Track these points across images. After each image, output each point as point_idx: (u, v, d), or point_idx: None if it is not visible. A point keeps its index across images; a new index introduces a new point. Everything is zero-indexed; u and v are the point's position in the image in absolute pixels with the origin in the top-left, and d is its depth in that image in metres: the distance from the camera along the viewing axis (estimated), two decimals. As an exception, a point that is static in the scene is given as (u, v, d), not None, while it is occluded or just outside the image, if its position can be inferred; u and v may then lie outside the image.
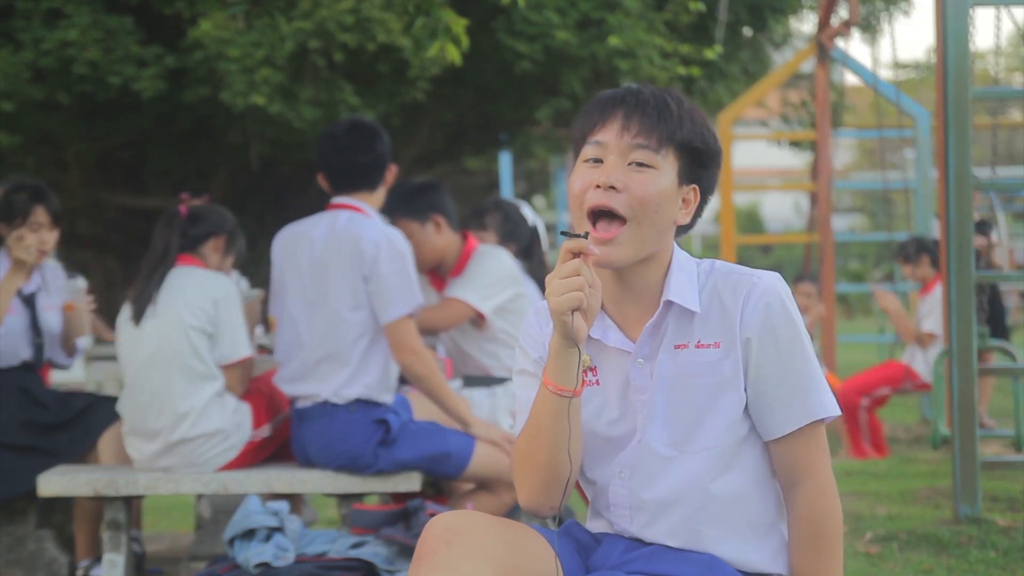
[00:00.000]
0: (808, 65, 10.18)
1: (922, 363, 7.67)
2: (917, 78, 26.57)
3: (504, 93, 7.82)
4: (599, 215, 2.14)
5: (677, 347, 2.19)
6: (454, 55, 4.83)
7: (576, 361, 2.11)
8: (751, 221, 33.05)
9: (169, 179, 8.66)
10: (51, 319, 4.65)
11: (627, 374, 2.22)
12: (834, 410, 2.19)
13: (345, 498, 4.22)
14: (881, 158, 10.23)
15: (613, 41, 6.73)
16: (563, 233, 2.09)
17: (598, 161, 2.17)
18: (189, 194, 4.71)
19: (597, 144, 2.17)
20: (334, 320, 4.15)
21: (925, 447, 7.61)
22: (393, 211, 4.60)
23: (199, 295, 4.20)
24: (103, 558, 4.14)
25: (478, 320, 4.64)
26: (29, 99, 6.43)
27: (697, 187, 2.22)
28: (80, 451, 4.47)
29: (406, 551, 3.77)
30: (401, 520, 3.96)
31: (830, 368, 8.88)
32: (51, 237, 4.59)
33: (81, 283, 4.76)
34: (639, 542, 2.24)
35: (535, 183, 16.94)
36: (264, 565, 3.72)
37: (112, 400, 4.52)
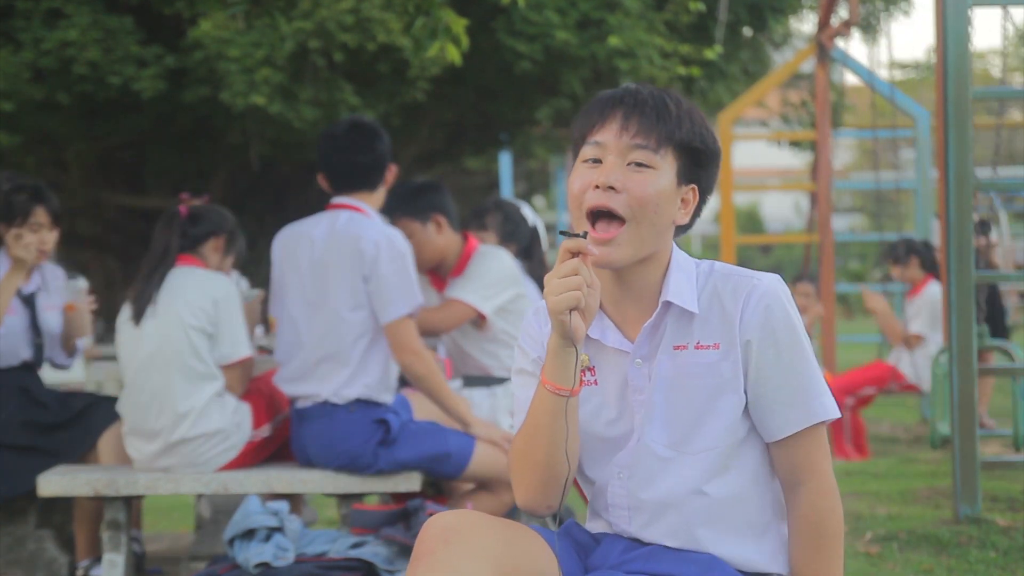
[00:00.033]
0: (808, 65, 10.18)
1: (908, 364, 7.68)
2: (917, 78, 26.56)
3: (504, 93, 7.82)
4: (598, 215, 2.14)
5: (676, 348, 2.19)
6: (454, 55, 4.83)
7: (574, 360, 2.11)
8: (751, 221, 33.06)
9: (169, 179, 8.66)
10: (51, 319, 4.65)
11: (625, 374, 2.22)
12: (835, 412, 2.20)
13: (345, 498, 4.22)
14: (874, 158, 10.23)
15: (613, 41, 6.73)
16: (562, 233, 2.09)
17: (597, 161, 2.17)
18: (189, 194, 4.71)
19: (596, 144, 2.17)
20: (334, 320, 4.15)
21: (925, 447, 7.61)
22: (394, 211, 4.60)
23: (199, 295, 4.20)
24: (103, 558, 4.14)
25: (479, 321, 4.64)
26: (29, 99, 6.43)
27: (696, 187, 2.22)
28: (80, 451, 4.47)
29: (406, 551, 3.77)
30: (401, 520, 3.96)
31: (829, 368, 8.88)
32: (51, 237, 4.59)
33: (82, 283, 4.76)
34: (638, 542, 2.24)
35: (535, 183, 16.94)
36: (264, 565, 3.72)
37: (112, 400, 4.52)
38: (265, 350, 5.10)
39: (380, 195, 4.36)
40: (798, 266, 18.59)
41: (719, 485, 2.19)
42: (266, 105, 6.28)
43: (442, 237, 4.65)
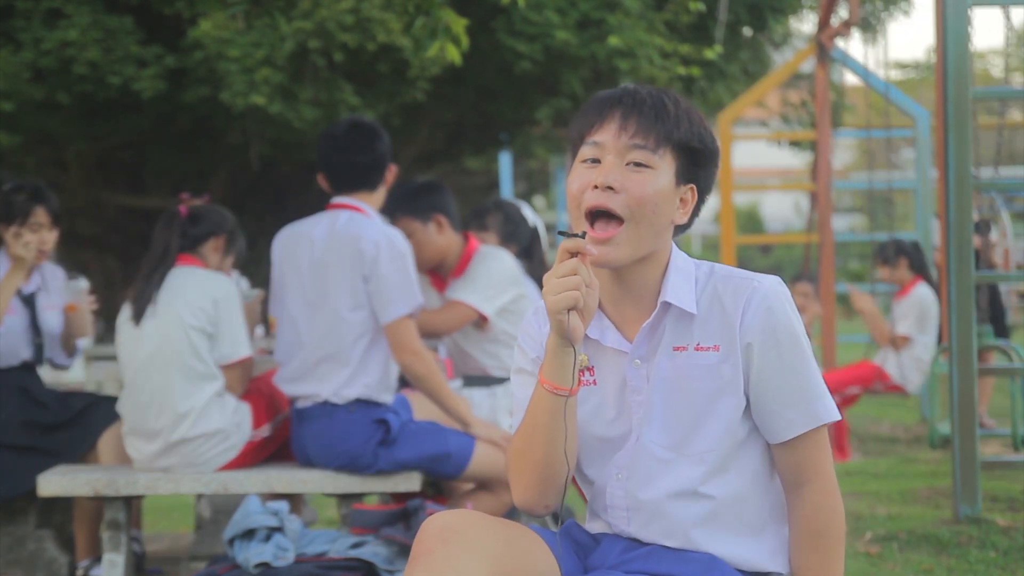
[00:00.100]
0: (808, 65, 10.18)
1: (894, 365, 7.69)
2: (917, 78, 26.57)
3: (504, 93, 7.81)
4: (596, 215, 2.14)
5: (676, 349, 2.19)
6: (454, 55, 4.83)
7: (572, 360, 2.12)
8: (751, 221, 33.06)
9: (169, 179, 8.66)
10: (51, 319, 4.65)
11: (624, 374, 2.22)
12: (836, 414, 2.20)
13: (345, 498, 4.22)
14: (869, 158, 10.22)
15: (613, 41, 6.73)
16: (560, 233, 2.09)
17: (595, 161, 2.17)
18: (189, 194, 4.71)
19: (594, 144, 2.17)
20: (334, 320, 4.15)
21: (925, 447, 7.61)
22: (395, 210, 4.60)
23: (199, 295, 4.20)
24: (103, 558, 4.14)
25: (480, 322, 4.64)
26: (29, 99, 6.43)
27: (694, 187, 2.22)
28: (80, 451, 4.47)
29: (406, 551, 3.77)
30: (401, 520, 3.97)
31: (828, 368, 8.88)
32: (51, 237, 4.59)
33: (83, 284, 4.76)
34: (637, 542, 2.24)
35: (535, 183, 16.92)
36: (264, 565, 3.72)
37: (112, 400, 4.52)
38: (265, 350, 5.10)
39: (380, 195, 4.36)
40: (798, 266, 18.60)
41: (718, 486, 2.19)
42: (266, 105, 6.27)
43: (443, 237, 4.65)
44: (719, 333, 2.18)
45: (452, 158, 10.29)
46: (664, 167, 2.16)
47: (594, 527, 2.32)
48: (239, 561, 3.76)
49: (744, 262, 26.41)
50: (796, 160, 15.84)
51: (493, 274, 4.63)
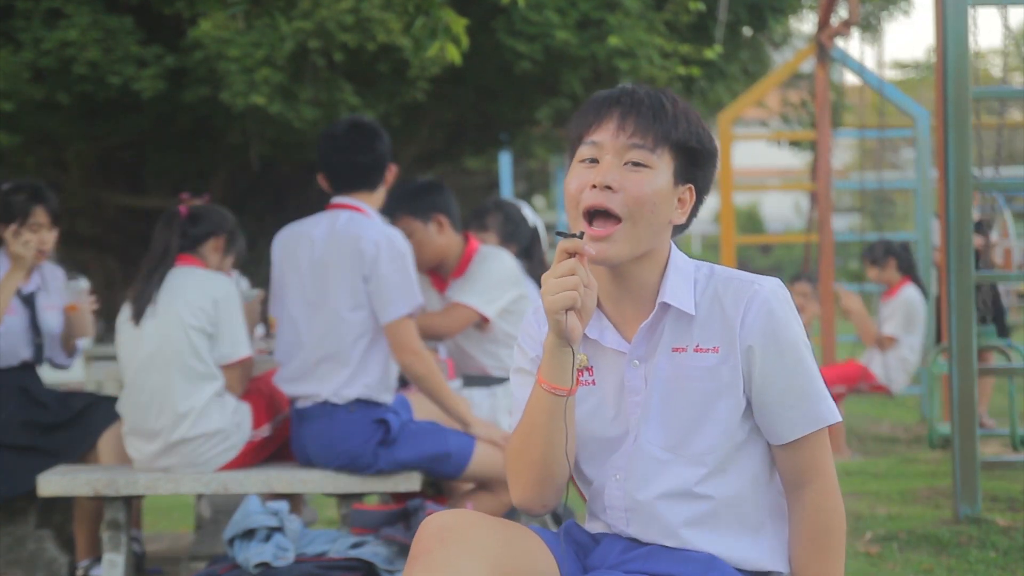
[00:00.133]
0: (808, 65, 10.18)
1: (879, 365, 7.70)
2: (917, 78, 26.57)
3: (504, 93, 7.81)
4: (594, 214, 2.14)
5: (675, 350, 2.19)
6: (454, 55, 4.83)
7: (570, 360, 2.12)
8: (751, 221, 33.07)
9: (169, 179, 8.66)
10: (50, 319, 4.65)
11: (623, 375, 2.22)
12: (837, 415, 2.20)
13: (345, 498, 4.22)
14: (861, 159, 10.24)
15: (613, 41, 6.73)
16: (559, 234, 2.09)
17: (594, 161, 2.17)
18: (189, 194, 4.71)
19: (593, 144, 2.17)
20: (334, 320, 4.15)
21: (925, 447, 7.61)
22: (396, 209, 4.60)
23: (199, 295, 4.20)
24: (103, 558, 4.14)
25: (481, 323, 4.64)
26: (29, 99, 6.43)
27: (693, 187, 2.22)
28: (80, 451, 4.48)
29: (406, 551, 3.77)
30: (401, 520, 3.97)
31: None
32: (50, 237, 4.59)
33: (84, 284, 4.76)
34: (637, 542, 2.24)
35: (535, 183, 16.92)
36: (264, 565, 3.72)
37: (112, 400, 4.52)
38: (265, 350, 5.10)
39: (380, 195, 4.36)
40: (798, 266, 18.59)
41: (717, 487, 2.19)
42: (266, 105, 6.27)
43: (443, 237, 4.65)
44: (719, 335, 2.18)
45: (452, 158, 10.29)
46: (662, 167, 2.16)
47: (594, 527, 2.33)
48: (239, 561, 3.76)
49: (744, 262, 26.41)
50: (796, 160, 15.84)
51: (493, 275, 4.63)
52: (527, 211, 5.28)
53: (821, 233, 9.11)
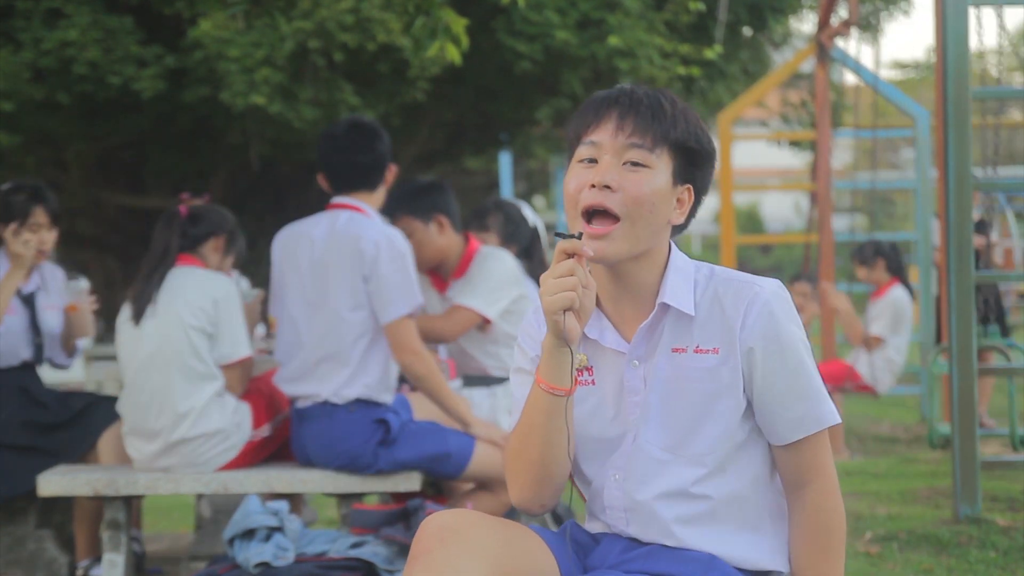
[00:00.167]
0: (808, 65, 10.18)
1: (865, 365, 7.72)
2: (917, 78, 26.55)
3: (504, 93, 7.82)
4: (593, 213, 2.15)
5: (675, 351, 2.19)
6: (454, 55, 4.83)
7: (568, 361, 2.12)
8: (751, 221, 33.07)
9: (169, 179, 8.66)
10: (50, 319, 4.65)
11: (622, 375, 2.22)
12: (837, 417, 2.21)
13: (345, 498, 4.22)
14: (858, 159, 10.25)
15: (613, 41, 6.73)
16: (557, 234, 2.09)
17: (593, 161, 2.17)
18: (190, 194, 4.71)
19: (592, 144, 2.17)
20: (334, 320, 4.15)
21: (925, 447, 7.61)
22: (396, 209, 4.60)
23: (199, 295, 4.20)
24: (103, 558, 4.14)
25: (483, 324, 4.64)
26: (29, 99, 6.43)
27: (691, 187, 2.22)
28: (80, 451, 4.48)
29: (406, 551, 3.77)
30: (401, 520, 3.97)
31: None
32: (50, 237, 4.59)
33: (84, 284, 4.76)
34: (637, 542, 2.24)
35: (535, 183, 16.92)
36: (264, 565, 3.72)
37: (112, 400, 4.52)
38: (265, 350, 5.10)
39: (380, 195, 4.36)
40: (798, 266, 18.57)
41: (716, 487, 2.19)
42: (266, 105, 6.28)
43: (443, 238, 4.65)
44: (719, 336, 2.18)
45: (452, 158, 10.29)
46: (661, 167, 2.17)
47: (593, 527, 2.33)
48: (239, 561, 3.76)
49: (744, 262, 26.41)
50: (796, 160, 15.84)
51: (494, 276, 4.63)
52: (527, 211, 5.28)
53: (821, 233, 9.11)
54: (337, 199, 4.31)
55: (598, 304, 2.24)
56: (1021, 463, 5.54)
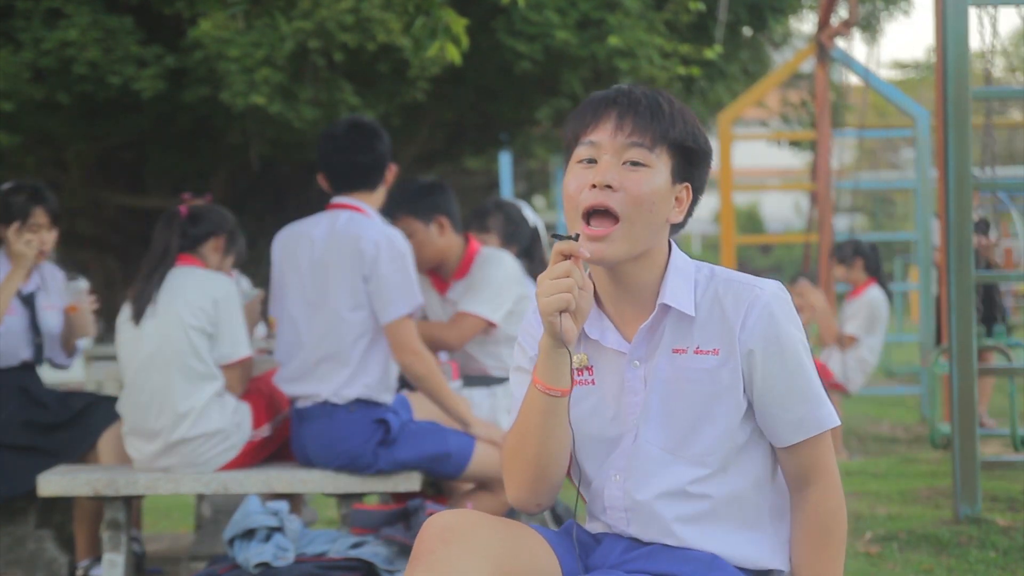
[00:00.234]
0: (808, 65, 10.18)
1: (838, 363, 7.73)
2: (917, 78, 26.54)
3: (504, 93, 7.81)
4: (592, 213, 2.15)
5: (675, 351, 2.19)
6: (454, 55, 4.82)
7: (565, 362, 2.12)
8: (751, 221, 33.07)
9: (169, 179, 8.66)
10: (50, 319, 4.65)
11: (623, 375, 2.22)
12: (837, 419, 2.21)
13: (345, 498, 4.22)
14: (860, 158, 10.25)
15: (613, 41, 6.73)
16: (555, 235, 2.10)
17: (592, 161, 2.17)
18: (191, 194, 4.71)
19: (591, 144, 2.18)
20: (334, 320, 4.15)
21: (925, 447, 7.62)
22: (397, 209, 4.60)
23: (199, 295, 4.20)
24: (103, 558, 4.14)
25: (488, 328, 4.65)
26: (29, 99, 6.43)
27: (689, 186, 2.23)
28: (80, 451, 4.48)
29: (406, 551, 3.77)
30: (401, 520, 3.97)
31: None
32: (50, 237, 4.59)
33: (83, 284, 4.76)
34: (638, 542, 2.24)
35: (535, 183, 16.92)
36: (264, 565, 3.72)
37: (112, 400, 4.52)
38: (265, 350, 5.10)
39: (380, 195, 4.36)
40: (798, 266, 18.57)
41: (717, 486, 2.19)
42: (266, 105, 6.27)
43: (444, 238, 4.65)
44: (719, 337, 2.18)
45: (452, 158, 10.29)
46: (660, 166, 2.17)
47: (594, 528, 2.33)
48: (239, 561, 3.76)
49: (744, 262, 26.40)
50: (796, 160, 15.83)
51: (497, 280, 4.63)
52: (527, 211, 5.28)
53: (821, 233, 9.11)
54: (337, 199, 4.31)
55: (599, 304, 2.24)
56: (1021, 463, 5.54)
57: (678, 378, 2.19)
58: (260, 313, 4.79)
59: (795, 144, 11.54)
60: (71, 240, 9.10)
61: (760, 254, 31.38)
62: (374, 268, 4.12)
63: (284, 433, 4.39)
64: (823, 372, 7.76)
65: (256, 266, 8.42)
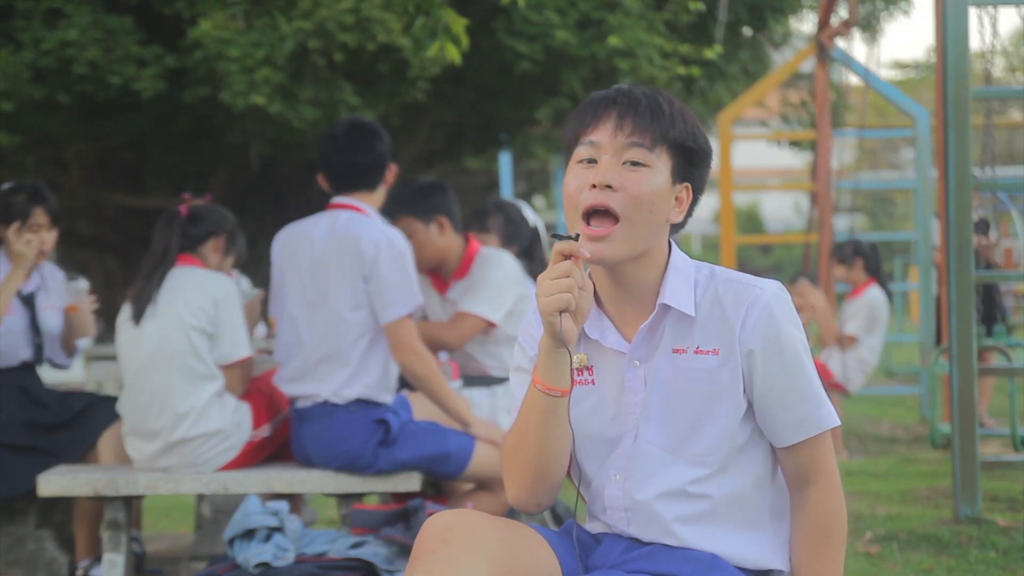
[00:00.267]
0: (808, 65, 10.18)
1: (838, 363, 7.73)
2: (917, 78, 26.54)
3: (504, 93, 7.82)
4: (592, 213, 2.15)
5: (675, 351, 2.19)
6: (454, 55, 4.83)
7: (565, 361, 2.13)
8: (751, 221, 33.07)
9: (169, 179, 8.66)
10: (50, 319, 4.65)
11: (623, 375, 2.22)
12: (837, 419, 2.21)
13: (345, 498, 4.22)
14: (860, 158, 10.25)
15: (613, 41, 6.73)
16: (554, 235, 2.10)
17: (592, 161, 2.17)
18: (191, 194, 4.71)
19: (591, 144, 2.18)
20: (334, 320, 4.15)
21: (925, 447, 7.62)
22: (397, 209, 4.60)
23: (199, 295, 4.20)
24: (103, 558, 4.14)
25: (488, 328, 4.65)
26: (29, 99, 6.43)
27: (689, 186, 2.23)
28: (80, 451, 4.48)
29: (406, 551, 3.77)
30: (401, 520, 3.97)
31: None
32: (50, 237, 4.59)
33: (83, 284, 4.76)
34: (638, 542, 2.24)
35: (535, 183, 16.92)
36: (264, 565, 3.72)
37: (112, 400, 4.52)
38: (265, 350, 5.10)
39: (380, 195, 4.36)
40: (798, 266, 18.57)
41: (717, 486, 2.19)
42: (266, 105, 6.28)
43: (443, 238, 4.65)
44: (719, 337, 2.18)
45: (452, 158, 10.29)
46: (660, 166, 2.17)
47: (594, 528, 2.33)
48: (239, 561, 3.76)
49: (744, 262, 26.40)
50: (796, 160, 15.83)
51: (497, 280, 4.63)
52: (527, 211, 5.28)
53: (821, 233, 9.11)
54: (337, 199, 4.31)
55: (599, 304, 2.24)
56: (1021, 463, 5.54)
57: (678, 378, 2.19)
58: (260, 313, 4.79)
59: (795, 144, 11.54)
60: (71, 240, 9.10)
61: (760, 254, 31.38)
62: (374, 268, 4.12)
63: (284, 433, 4.39)
64: (823, 372, 7.77)
65: (256, 266, 8.43)
